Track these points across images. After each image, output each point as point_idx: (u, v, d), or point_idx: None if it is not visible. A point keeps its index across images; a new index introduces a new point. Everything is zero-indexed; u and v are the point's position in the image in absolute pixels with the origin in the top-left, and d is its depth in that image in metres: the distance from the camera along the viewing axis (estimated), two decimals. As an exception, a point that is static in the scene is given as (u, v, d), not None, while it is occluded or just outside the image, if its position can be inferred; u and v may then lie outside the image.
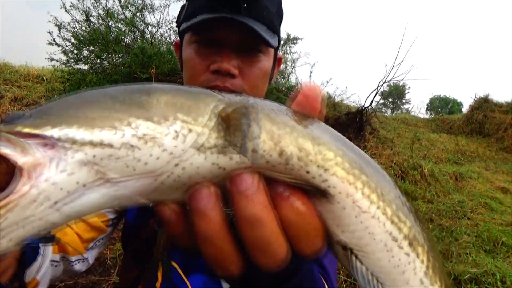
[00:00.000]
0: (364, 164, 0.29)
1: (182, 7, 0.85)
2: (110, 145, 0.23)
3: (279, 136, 0.26)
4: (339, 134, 0.31)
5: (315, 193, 0.27)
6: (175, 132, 0.24)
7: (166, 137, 0.24)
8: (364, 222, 0.28)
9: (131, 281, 0.82)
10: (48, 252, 0.75)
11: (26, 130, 0.23)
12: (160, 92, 0.26)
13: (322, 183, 0.27)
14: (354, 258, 0.29)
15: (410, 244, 0.29)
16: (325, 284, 0.64)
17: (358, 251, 0.29)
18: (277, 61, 0.91)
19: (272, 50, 0.83)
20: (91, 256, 0.87)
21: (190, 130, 0.24)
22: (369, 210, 0.28)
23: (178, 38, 0.89)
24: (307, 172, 0.26)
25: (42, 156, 0.21)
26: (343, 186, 0.27)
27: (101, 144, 0.22)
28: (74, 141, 0.22)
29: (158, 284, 0.77)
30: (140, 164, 0.23)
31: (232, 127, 0.25)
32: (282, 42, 7.67)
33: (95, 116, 0.23)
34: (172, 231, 0.29)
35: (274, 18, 0.80)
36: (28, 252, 0.63)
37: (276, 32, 0.81)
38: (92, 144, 0.22)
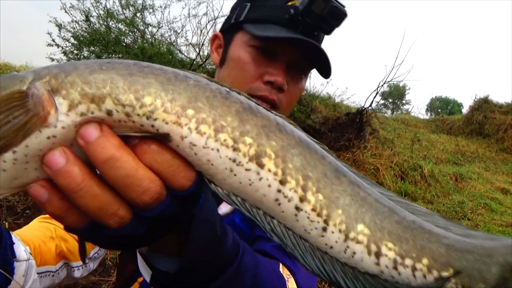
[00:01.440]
0: (197, 95, 0.30)
1: (244, 2, 0.84)
2: None
3: (99, 96, 0.28)
4: (171, 71, 0.31)
5: (163, 138, 0.30)
6: None
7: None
8: (200, 155, 0.30)
9: (128, 275, 0.82)
10: (32, 268, 0.70)
11: None
12: None
13: (157, 132, 0.29)
14: (213, 185, 0.32)
15: (255, 160, 0.31)
16: (283, 273, 0.61)
17: (212, 179, 0.31)
18: None
19: (308, 75, 0.89)
20: (92, 264, 0.87)
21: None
22: (201, 143, 0.30)
23: (218, 31, 0.90)
24: (142, 125, 0.29)
25: None
26: (170, 127, 0.29)
27: None
28: None
29: None
30: None
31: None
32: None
33: None
34: (53, 210, 0.29)
35: (321, 43, 0.86)
36: None
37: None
38: None
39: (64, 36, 5.61)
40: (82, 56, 5.69)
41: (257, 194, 0.32)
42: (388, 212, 0.34)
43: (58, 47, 5.55)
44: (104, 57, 5.53)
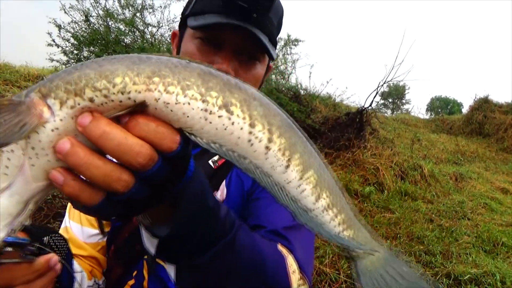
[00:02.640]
0: (158, 67, 0.35)
1: (189, 1, 0.86)
2: None
3: (79, 89, 0.34)
4: (135, 56, 0.36)
5: (144, 108, 0.35)
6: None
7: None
8: (176, 110, 0.35)
9: (115, 280, 0.82)
10: (84, 280, 0.77)
11: None
12: None
13: (135, 102, 0.34)
14: (193, 137, 0.37)
15: (224, 108, 0.36)
16: (281, 252, 0.64)
17: (192, 131, 0.37)
18: (268, 69, 0.95)
19: (267, 60, 0.86)
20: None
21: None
22: (173, 100, 0.35)
23: (177, 28, 0.90)
24: (121, 101, 0.34)
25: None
26: (145, 95, 0.34)
27: None
28: None
29: (145, 283, 0.78)
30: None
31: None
32: (282, 43, 7.57)
33: None
34: (69, 190, 0.35)
35: (274, 31, 0.83)
36: (64, 279, 0.64)
37: (275, 44, 0.85)
38: None
39: (64, 36, 5.61)
40: (82, 56, 5.69)
41: (232, 137, 0.37)
42: (324, 168, 0.43)
43: (58, 47, 5.55)
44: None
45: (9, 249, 0.47)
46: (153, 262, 0.76)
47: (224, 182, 0.84)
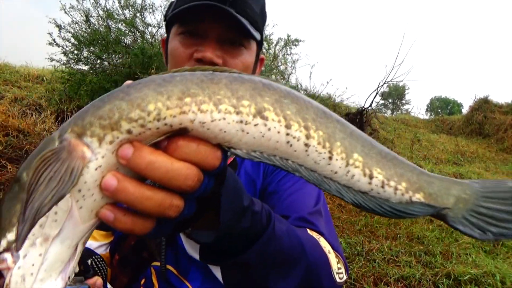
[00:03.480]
0: (186, 86, 0.35)
1: (171, 4, 0.86)
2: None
3: (114, 123, 0.33)
4: (158, 78, 0.36)
5: (181, 131, 0.35)
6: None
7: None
8: (212, 128, 0.35)
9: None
10: None
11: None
12: (25, 169, 0.34)
13: (172, 128, 0.34)
14: (232, 149, 0.37)
15: (258, 116, 0.36)
16: (313, 235, 0.67)
17: (230, 145, 0.37)
18: (259, 61, 0.93)
19: (254, 47, 0.85)
20: None
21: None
22: (208, 118, 0.35)
23: (166, 35, 0.91)
24: (158, 128, 0.34)
25: (11, 255, 0.33)
26: (180, 118, 0.34)
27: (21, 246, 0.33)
28: (14, 241, 0.33)
29: None
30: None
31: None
32: (282, 43, 7.54)
33: (10, 219, 0.33)
34: (122, 225, 0.35)
35: (257, 18, 0.82)
36: None
37: (258, 30, 0.83)
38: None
39: (64, 36, 5.61)
40: (82, 56, 5.69)
41: (271, 142, 0.37)
42: (370, 145, 0.42)
43: (58, 47, 5.56)
44: (104, 57, 5.53)
45: None
46: (164, 268, 0.75)
47: None
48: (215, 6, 0.73)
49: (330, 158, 0.39)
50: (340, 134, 0.40)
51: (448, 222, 0.42)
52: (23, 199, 0.31)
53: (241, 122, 0.36)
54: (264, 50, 6.57)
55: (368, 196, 0.40)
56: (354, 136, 0.41)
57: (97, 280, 0.58)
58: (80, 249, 0.35)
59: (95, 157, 0.33)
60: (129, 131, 0.33)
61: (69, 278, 0.35)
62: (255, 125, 0.36)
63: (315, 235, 0.67)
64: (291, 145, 0.37)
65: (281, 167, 0.38)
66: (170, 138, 0.35)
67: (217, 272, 0.52)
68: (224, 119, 0.35)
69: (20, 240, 0.31)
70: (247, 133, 0.36)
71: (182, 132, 0.35)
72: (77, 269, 0.36)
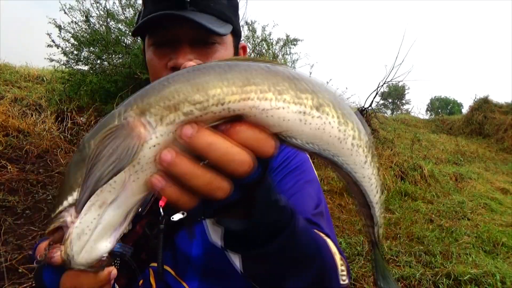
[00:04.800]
0: (251, 75, 0.36)
1: (138, 15, 0.87)
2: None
3: (177, 104, 0.35)
4: (223, 64, 0.37)
5: (242, 116, 0.36)
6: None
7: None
8: (274, 116, 0.36)
9: None
10: None
11: (57, 208, 0.38)
12: (88, 139, 0.37)
13: (233, 112, 0.35)
14: (288, 139, 0.38)
15: (318, 109, 0.38)
16: (321, 235, 0.68)
17: (288, 133, 0.38)
18: (241, 49, 0.92)
19: (229, 39, 0.84)
20: None
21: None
22: (271, 106, 0.36)
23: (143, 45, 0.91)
24: (219, 112, 0.35)
25: (72, 214, 0.37)
26: (242, 104, 0.35)
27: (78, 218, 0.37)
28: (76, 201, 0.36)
29: None
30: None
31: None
32: (281, 43, 7.54)
33: (71, 183, 0.37)
34: (169, 194, 0.36)
35: (224, 8, 0.81)
36: None
37: (228, 20, 0.82)
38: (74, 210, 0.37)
39: (64, 36, 5.61)
40: (82, 57, 5.68)
41: (325, 136, 0.39)
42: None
43: (58, 48, 5.55)
44: (104, 57, 5.53)
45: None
46: (162, 269, 0.75)
47: None
48: (172, 15, 0.73)
49: (365, 162, 0.45)
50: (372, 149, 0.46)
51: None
52: (86, 168, 0.34)
53: (302, 113, 0.37)
54: (263, 51, 6.57)
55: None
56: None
57: (113, 269, 0.59)
58: (130, 216, 0.38)
59: (155, 136, 0.35)
60: (190, 113, 0.35)
61: (117, 240, 0.39)
62: (316, 117, 0.38)
63: (323, 236, 0.68)
64: (340, 142, 0.40)
65: (327, 157, 0.41)
66: (230, 122, 0.36)
67: (236, 260, 0.53)
68: (287, 108, 0.36)
69: (80, 204, 0.34)
70: (309, 123, 0.37)
71: (237, 119, 0.36)
72: (126, 231, 0.39)
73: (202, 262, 0.76)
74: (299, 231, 0.51)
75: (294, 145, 0.38)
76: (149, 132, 0.35)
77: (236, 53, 0.88)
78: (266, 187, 0.44)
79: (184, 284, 0.76)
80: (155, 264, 0.77)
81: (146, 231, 0.77)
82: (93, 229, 0.37)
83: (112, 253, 0.43)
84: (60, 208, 0.37)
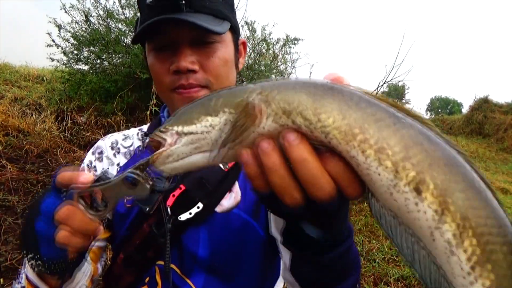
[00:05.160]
0: (365, 118, 0.34)
1: (136, 21, 0.87)
2: (197, 133, 0.41)
3: (292, 111, 0.36)
4: (347, 92, 0.36)
5: (339, 152, 0.35)
6: (224, 119, 0.40)
7: (221, 124, 0.40)
8: (364, 173, 0.34)
9: (124, 287, 0.81)
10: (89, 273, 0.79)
11: (167, 127, 0.44)
12: (218, 95, 0.41)
13: (328, 144, 0.35)
14: (370, 195, 0.36)
15: (414, 191, 0.32)
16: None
17: (372, 192, 0.35)
18: (241, 45, 0.92)
19: (228, 37, 0.84)
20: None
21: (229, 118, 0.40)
22: (364, 164, 0.34)
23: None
24: (320, 138, 0.35)
25: (173, 139, 0.42)
26: (340, 145, 0.35)
27: (193, 133, 0.41)
28: (182, 133, 0.42)
29: None
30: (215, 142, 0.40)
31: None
32: (281, 42, 7.53)
33: (188, 117, 0.42)
34: (250, 171, 0.39)
35: (220, 6, 0.81)
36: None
37: (225, 18, 0.82)
38: (188, 133, 0.41)
39: (64, 36, 5.60)
40: (82, 56, 5.68)
41: (413, 221, 0.32)
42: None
43: (58, 47, 5.54)
44: (104, 57, 5.53)
45: (133, 175, 0.49)
46: (168, 268, 0.75)
47: (237, 184, 0.83)
48: (169, 19, 0.74)
49: (469, 274, 0.31)
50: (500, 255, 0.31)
51: None
52: (208, 121, 0.40)
53: (394, 186, 0.32)
54: (263, 51, 6.57)
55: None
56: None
57: (101, 228, 0.59)
58: (206, 166, 0.43)
59: (263, 126, 0.37)
60: (298, 125, 0.36)
61: (170, 176, 0.47)
62: (406, 198, 0.32)
63: None
64: (433, 240, 0.31)
65: (399, 244, 0.34)
66: (330, 150, 0.36)
67: (286, 255, 0.57)
68: (379, 174, 0.33)
69: (186, 137, 0.41)
70: (394, 200, 0.33)
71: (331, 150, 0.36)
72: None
73: (208, 262, 0.77)
74: (352, 247, 0.54)
75: (373, 204, 0.36)
76: (262, 121, 0.37)
77: (236, 49, 0.89)
78: (341, 216, 0.45)
79: (189, 282, 0.76)
80: (161, 262, 0.78)
81: (153, 230, 0.77)
82: (177, 159, 0.42)
83: (154, 187, 0.49)
84: (169, 129, 0.43)
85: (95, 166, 0.92)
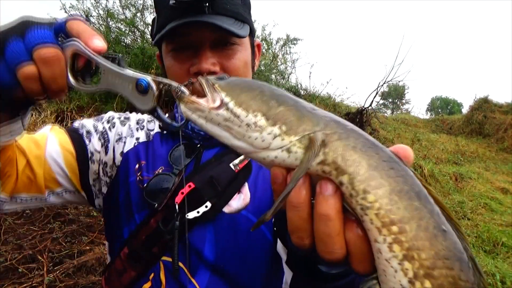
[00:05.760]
0: (408, 218, 0.32)
1: (153, 21, 0.87)
2: (240, 118, 0.39)
3: (343, 170, 0.35)
4: (401, 182, 0.34)
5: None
6: (274, 132, 0.38)
7: (267, 132, 0.38)
8: (383, 262, 0.33)
9: (127, 283, 0.81)
10: None
11: (220, 89, 0.42)
12: (283, 104, 0.39)
13: (361, 218, 0.34)
14: (371, 276, 0.36)
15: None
16: None
17: (380, 283, 0.35)
18: (256, 47, 0.93)
19: (246, 39, 0.85)
20: (50, 199, 0.84)
21: (283, 138, 0.38)
22: (386, 256, 0.33)
23: (158, 51, 0.91)
24: (356, 211, 0.34)
25: (216, 104, 0.40)
26: (371, 231, 0.33)
27: (236, 115, 0.39)
28: (228, 107, 0.40)
29: (163, 287, 0.77)
30: (247, 138, 0.39)
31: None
32: (282, 42, 7.56)
33: (244, 100, 0.40)
34: (275, 187, 0.38)
35: (240, 9, 0.82)
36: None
37: (245, 21, 0.83)
38: (233, 113, 0.39)
39: (64, 36, 5.60)
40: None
41: None
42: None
43: (58, 47, 5.54)
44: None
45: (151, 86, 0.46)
46: (177, 266, 0.75)
47: (246, 185, 0.83)
48: (195, 22, 0.74)
49: None
50: None
51: None
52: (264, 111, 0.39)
53: (392, 275, 0.33)
54: (263, 51, 6.57)
55: None
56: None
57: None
58: (225, 145, 0.41)
59: (313, 165, 0.36)
60: (341, 184, 0.35)
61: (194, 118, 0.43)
62: None
63: None
64: None
65: None
66: (356, 218, 0.35)
67: (288, 273, 0.58)
68: (395, 272, 0.33)
69: (228, 113, 0.39)
70: None
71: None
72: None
73: (213, 262, 0.77)
74: (356, 279, 0.54)
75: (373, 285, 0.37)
76: (314, 160, 0.36)
77: (252, 52, 0.90)
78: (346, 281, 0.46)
79: (194, 282, 0.76)
80: (166, 258, 0.78)
81: (160, 226, 0.77)
82: (203, 118, 0.41)
83: (157, 112, 0.47)
84: (220, 94, 0.41)
85: (114, 123, 0.91)
